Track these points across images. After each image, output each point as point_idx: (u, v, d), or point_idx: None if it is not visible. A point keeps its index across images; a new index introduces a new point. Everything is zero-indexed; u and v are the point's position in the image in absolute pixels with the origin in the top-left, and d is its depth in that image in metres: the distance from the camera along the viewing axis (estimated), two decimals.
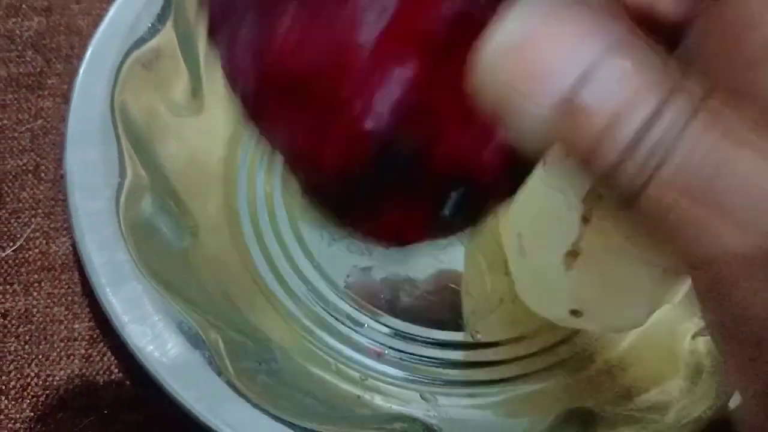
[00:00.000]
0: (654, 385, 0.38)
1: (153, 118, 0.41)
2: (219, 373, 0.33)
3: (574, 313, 0.36)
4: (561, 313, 0.37)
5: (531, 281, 0.38)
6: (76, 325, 0.41)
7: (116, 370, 0.40)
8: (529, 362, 0.41)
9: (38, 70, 0.48)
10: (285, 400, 0.35)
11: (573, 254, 0.34)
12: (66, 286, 0.42)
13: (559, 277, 0.35)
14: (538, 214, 0.36)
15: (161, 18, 0.42)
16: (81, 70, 0.39)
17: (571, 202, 0.34)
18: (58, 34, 0.50)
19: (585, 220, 0.33)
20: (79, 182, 0.36)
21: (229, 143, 0.46)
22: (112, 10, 0.41)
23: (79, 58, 0.48)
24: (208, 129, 0.45)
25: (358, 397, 0.38)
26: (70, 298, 0.41)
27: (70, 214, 0.35)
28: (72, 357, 0.40)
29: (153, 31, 0.41)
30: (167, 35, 0.42)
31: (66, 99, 0.47)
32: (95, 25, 0.49)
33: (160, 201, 0.39)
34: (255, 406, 0.33)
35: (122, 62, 0.39)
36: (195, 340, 0.33)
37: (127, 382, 0.39)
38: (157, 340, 0.33)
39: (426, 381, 0.39)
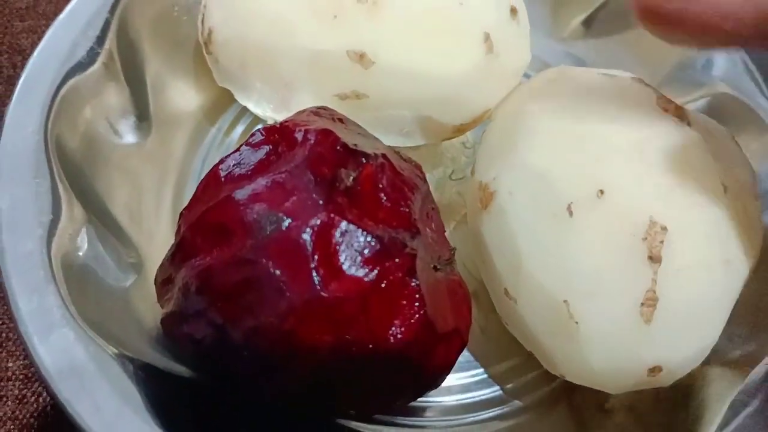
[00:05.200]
0: None
1: (93, 148, 0.36)
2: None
3: (654, 370, 0.30)
4: (637, 377, 0.31)
5: (590, 350, 0.31)
6: (10, 364, 0.36)
7: (52, 412, 0.35)
8: (503, 401, 0.38)
9: None
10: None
11: (650, 303, 0.29)
12: None
13: (635, 335, 0.29)
14: (592, 272, 0.30)
15: (101, 41, 0.37)
16: (13, 98, 0.34)
17: (633, 246, 0.29)
18: (0, 54, 0.45)
19: (654, 259, 0.29)
20: (8, 220, 0.31)
21: (180, 168, 0.42)
22: (48, 33, 0.37)
23: (19, 79, 0.43)
24: (155, 156, 0.41)
25: None
26: (4, 334, 0.37)
27: None
28: (4, 398, 0.35)
29: (92, 54, 0.37)
30: (108, 58, 0.38)
31: None
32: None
33: (100, 237, 0.34)
34: None
35: (58, 89, 0.35)
36: (130, 392, 0.29)
37: (63, 425, 0.35)
38: (90, 394, 0.29)
39: (389, 422, 0.36)
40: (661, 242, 0.29)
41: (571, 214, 0.30)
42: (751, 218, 0.31)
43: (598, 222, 0.30)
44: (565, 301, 0.30)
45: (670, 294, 0.29)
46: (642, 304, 0.29)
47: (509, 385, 0.38)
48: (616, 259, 0.29)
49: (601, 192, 0.30)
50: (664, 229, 0.29)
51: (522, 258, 0.32)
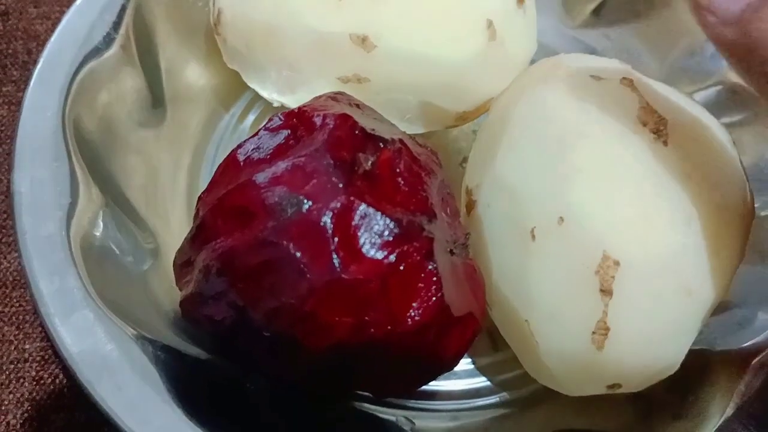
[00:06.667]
0: None
1: (110, 131, 0.36)
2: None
3: (613, 387, 0.31)
4: (597, 390, 0.32)
5: (551, 365, 0.32)
6: (27, 346, 0.37)
7: (68, 393, 0.36)
8: (513, 385, 0.38)
9: None
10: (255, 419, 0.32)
11: (601, 332, 0.29)
12: (17, 305, 0.37)
13: (589, 359, 0.30)
14: (550, 298, 0.30)
15: (117, 26, 0.37)
16: (31, 82, 0.34)
17: (587, 278, 0.29)
18: (15, 40, 0.45)
19: (605, 292, 0.29)
20: (28, 203, 0.31)
21: (194, 153, 0.42)
22: (65, 19, 0.37)
23: (37, 64, 0.44)
24: (171, 140, 0.41)
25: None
26: (21, 317, 0.37)
27: (18, 238, 0.31)
28: (22, 380, 0.36)
29: (108, 39, 0.37)
30: (124, 43, 0.38)
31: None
32: (54, 30, 0.45)
33: (118, 220, 0.34)
34: None
35: (75, 74, 0.35)
36: (150, 372, 0.30)
37: (80, 406, 0.35)
38: (111, 374, 0.29)
39: (404, 405, 0.36)
40: (613, 277, 0.29)
41: (533, 238, 0.30)
42: (723, 244, 0.30)
43: (556, 249, 0.30)
44: (526, 321, 0.31)
45: (622, 325, 0.29)
46: (594, 332, 0.29)
47: (517, 371, 0.38)
48: (571, 287, 0.30)
49: (561, 219, 0.30)
50: (617, 263, 0.29)
51: (492, 271, 0.33)
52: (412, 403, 0.36)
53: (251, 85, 0.39)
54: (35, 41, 0.45)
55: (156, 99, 0.40)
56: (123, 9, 0.38)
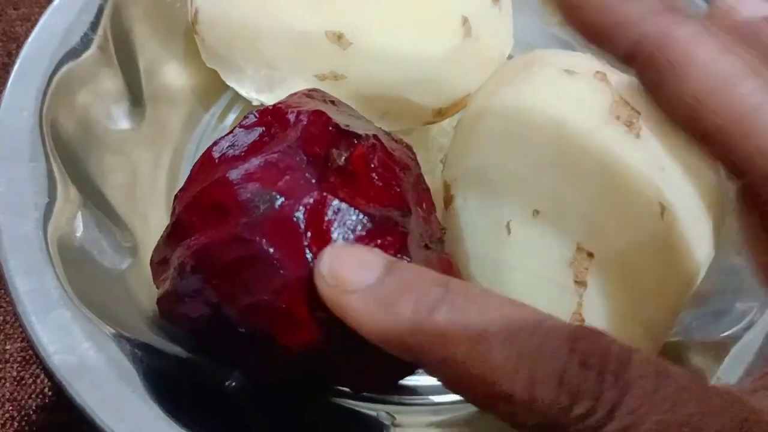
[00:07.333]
0: None
1: (88, 131, 0.36)
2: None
3: None
4: None
5: None
6: (8, 346, 0.37)
7: (49, 393, 0.36)
8: None
9: None
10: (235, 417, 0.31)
11: (576, 324, 0.30)
12: None
13: None
14: (525, 291, 0.30)
15: (95, 26, 0.37)
16: (9, 82, 0.34)
17: (561, 270, 0.29)
18: None
19: (579, 284, 0.29)
20: (4, 203, 0.31)
21: (174, 153, 0.42)
22: (43, 19, 0.37)
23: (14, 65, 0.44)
24: (150, 140, 0.41)
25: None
26: (1, 317, 0.37)
27: None
28: (3, 380, 0.36)
29: (86, 40, 0.37)
30: (102, 44, 0.38)
31: None
32: None
33: (96, 220, 0.34)
34: None
35: (53, 74, 0.35)
36: (128, 370, 0.30)
37: (61, 406, 0.35)
38: (88, 372, 0.29)
39: (384, 400, 0.36)
40: (586, 269, 0.29)
41: (509, 231, 0.31)
42: (697, 235, 0.31)
43: (531, 242, 0.30)
44: None
45: (596, 317, 0.30)
46: None
47: None
48: (546, 280, 0.30)
49: (536, 212, 0.30)
50: (591, 255, 0.29)
51: (470, 264, 0.33)
52: (392, 398, 0.37)
53: (229, 84, 0.39)
54: (15, 43, 0.45)
55: (135, 99, 0.40)
56: (101, 9, 0.38)
